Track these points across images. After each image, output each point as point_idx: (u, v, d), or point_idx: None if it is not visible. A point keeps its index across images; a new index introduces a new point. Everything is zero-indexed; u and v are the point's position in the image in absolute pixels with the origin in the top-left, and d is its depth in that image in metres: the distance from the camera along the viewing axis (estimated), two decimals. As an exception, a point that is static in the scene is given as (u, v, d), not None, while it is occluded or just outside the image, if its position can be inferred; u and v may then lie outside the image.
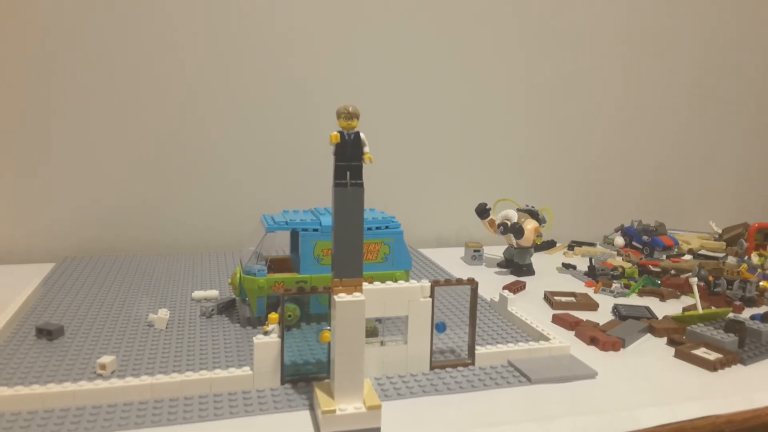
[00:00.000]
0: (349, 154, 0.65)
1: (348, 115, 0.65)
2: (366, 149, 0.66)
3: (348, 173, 0.65)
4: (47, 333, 0.86)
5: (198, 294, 1.04)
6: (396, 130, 1.52)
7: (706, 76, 1.78)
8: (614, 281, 1.23)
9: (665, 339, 0.95)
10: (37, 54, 1.27)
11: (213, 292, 1.05)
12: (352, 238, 0.66)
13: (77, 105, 1.31)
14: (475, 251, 1.37)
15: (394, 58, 1.49)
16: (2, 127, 1.28)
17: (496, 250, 1.43)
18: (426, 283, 0.78)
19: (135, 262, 1.27)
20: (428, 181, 1.57)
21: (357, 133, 0.66)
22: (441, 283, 0.80)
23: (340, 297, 0.66)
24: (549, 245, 1.54)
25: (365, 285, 0.75)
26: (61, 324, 0.89)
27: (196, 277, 1.18)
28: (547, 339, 0.87)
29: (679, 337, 0.94)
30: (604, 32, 1.65)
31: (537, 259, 1.36)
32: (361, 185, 0.66)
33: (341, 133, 0.65)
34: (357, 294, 0.67)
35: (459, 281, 0.82)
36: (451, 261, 1.39)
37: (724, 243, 1.55)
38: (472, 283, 0.82)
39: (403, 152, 1.54)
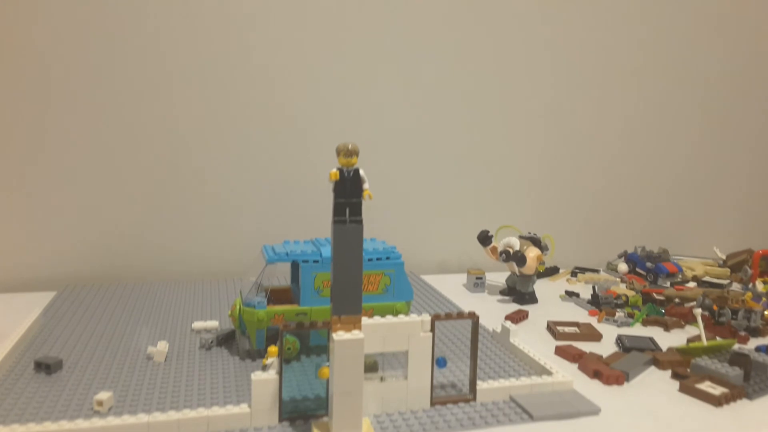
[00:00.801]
0: (348, 191, 0.65)
1: (347, 153, 0.65)
2: (365, 186, 0.66)
3: (347, 210, 0.65)
4: (45, 367, 0.85)
5: (198, 325, 1.03)
6: (397, 154, 1.52)
7: (710, 99, 1.78)
8: (618, 310, 1.22)
9: (669, 372, 0.94)
10: (38, 80, 1.28)
11: (213, 323, 1.04)
12: (351, 275, 0.66)
13: (79, 134, 1.32)
14: (477, 278, 1.37)
15: (394, 82, 1.49)
16: (4, 155, 1.28)
17: (498, 276, 1.42)
18: (426, 318, 0.77)
19: (137, 290, 1.27)
20: (430, 206, 1.57)
21: (356, 170, 0.66)
22: (441, 317, 0.79)
23: (339, 335, 0.65)
24: (552, 271, 1.53)
25: (364, 320, 0.74)
26: (60, 357, 0.88)
27: (197, 306, 1.18)
28: (549, 373, 0.86)
29: (684, 370, 0.93)
30: (608, 59, 1.65)
31: (540, 286, 1.35)
32: (361, 222, 0.66)
33: (341, 170, 0.66)
34: (356, 332, 0.66)
35: (460, 315, 0.81)
36: (453, 288, 1.38)
37: (728, 269, 1.54)
38: (473, 317, 0.81)
39: (404, 177, 1.54)
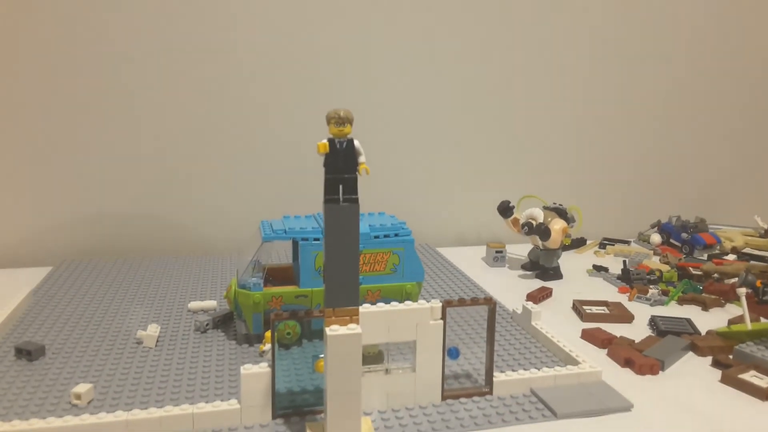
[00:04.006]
0: (341, 166, 0.56)
1: (339, 120, 0.55)
2: (361, 159, 0.56)
3: (340, 187, 0.56)
4: (27, 353, 0.79)
5: (194, 305, 0.97)
6: (413, 121, 1.42)
7: (748, 56, 1.63)
8: (651, 286, 1.13)
9: (710, 359, 0.85)
10: (38, 56, 1.21)
11: (211, 303, 0.97)
12: (346, 263, 0.57)
13: (77, 105, 1.24)
14: (497, 252, 1.27)
15: (412, 45, 1.38)
16: (1, 127, 1.22)
17: (520, 249, 1.33)
18: (436, 304, 0.69)
19: (134, 266, 1.20)
20: (448, 176, 1.47)
21: (350, 141, 0.56)
22: (454, 303, 0.71)
23: (332, 330, 0.57)
24: (579, 243, 1.43)
25: (366, 307, 0.66)
26: (43, 343, 0.82)
27: (197, 283, 1.11)
28: (576, 362, 0.78)
29: (725, 357, 0.84)
30: (634, 21, 1.51)
31: (565, 259, 1.26)
32: (356, 201, 0.56)
33: (331, 141, 0.56)
34: (352, 325, 0.58)
35: (474, 301, 0.72)
36: (472, 262, 1.29)
37: (771, 240, 1.43)
38: (490, 303, 0.72)
39: (420, 145, 1.44)
